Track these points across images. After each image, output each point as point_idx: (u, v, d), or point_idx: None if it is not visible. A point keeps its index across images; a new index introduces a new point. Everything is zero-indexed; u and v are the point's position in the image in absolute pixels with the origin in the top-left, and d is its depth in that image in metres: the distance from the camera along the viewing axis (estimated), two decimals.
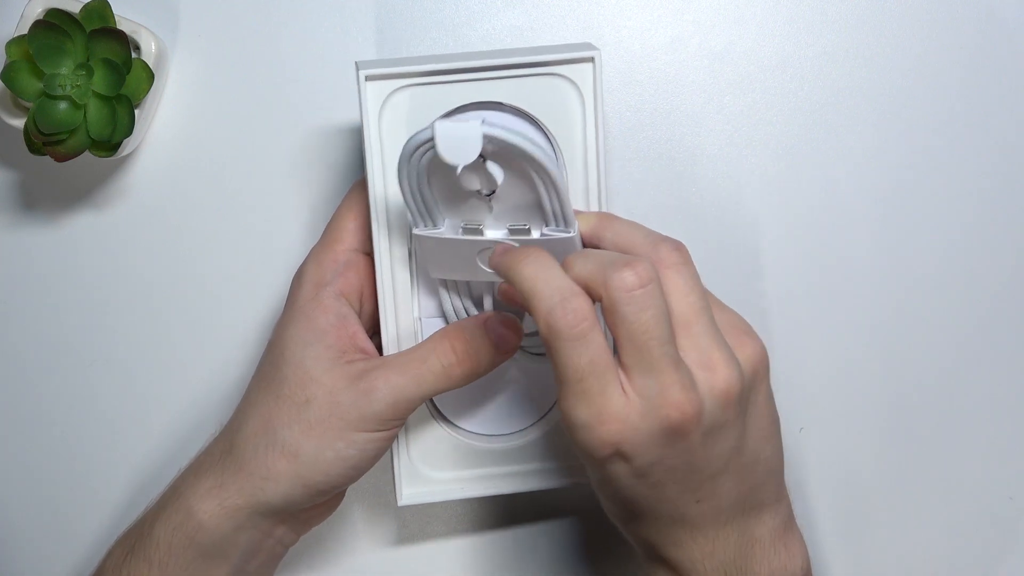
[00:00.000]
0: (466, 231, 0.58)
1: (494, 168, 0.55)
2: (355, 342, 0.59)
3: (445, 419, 0.64)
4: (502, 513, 0.71)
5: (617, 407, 0.52)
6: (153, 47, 0.65)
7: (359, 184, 0.61)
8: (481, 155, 0.53)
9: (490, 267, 0.57)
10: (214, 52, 0.68)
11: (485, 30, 0.69)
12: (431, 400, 0.63)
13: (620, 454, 0.53)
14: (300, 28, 0.68)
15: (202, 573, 0.59)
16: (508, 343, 0.60)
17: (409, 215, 0.57)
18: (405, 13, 0.68)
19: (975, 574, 0.72)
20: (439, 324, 0.61)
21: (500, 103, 0.59)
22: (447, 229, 0.58)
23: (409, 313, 0.61)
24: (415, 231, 0.58)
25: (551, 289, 0.52)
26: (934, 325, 0.71)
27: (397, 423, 0.59)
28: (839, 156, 0.70)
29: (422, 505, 0.69)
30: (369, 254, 0.61)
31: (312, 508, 0.62)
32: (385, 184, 0.59)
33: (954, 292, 0.71)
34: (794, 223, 0.70)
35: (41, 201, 0.69)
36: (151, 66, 0.64)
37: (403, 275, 0.61)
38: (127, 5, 0.66)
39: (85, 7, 0.63)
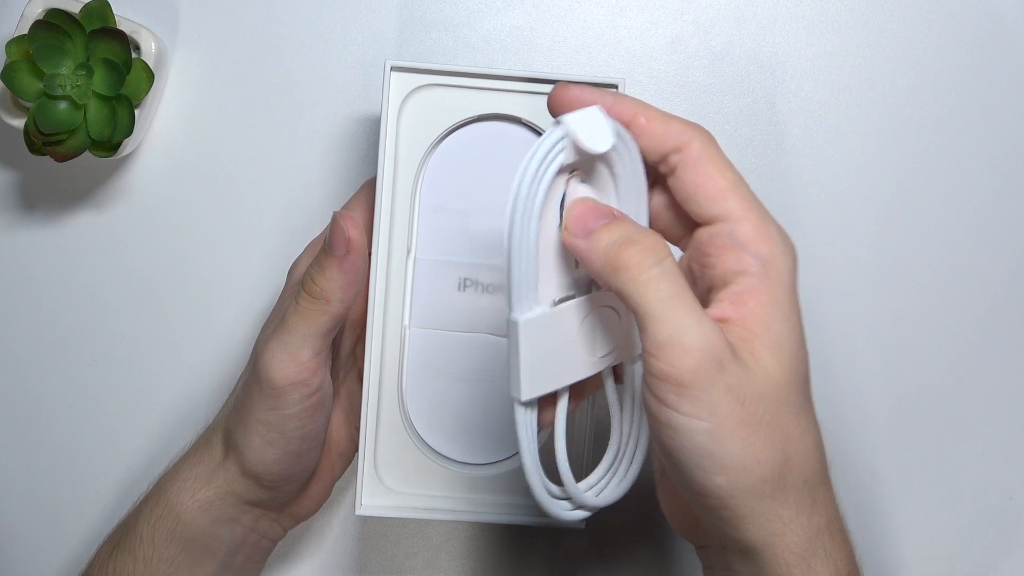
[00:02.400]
0: (561, 301, 0.47)
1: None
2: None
3: (420, 438, 0.62)
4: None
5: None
6: (153, 47, 0.65)
7: (367, 185, 0.61)
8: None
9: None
10: (214, 52, 0.68)
11: (485, 30, 0.69)
12: (406, 416, 0.62)
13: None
14: (299, 28, 0.68)
15: (187, 567, 0.59)
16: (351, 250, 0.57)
17: (513, 286, 0.46)
18: (405, 13, 0.68)
19: (975, 574, 0.72)
20: (427, 334, 0.60)
21: (519, 118, 0.60)
22: (546, 307, 0.47)
23: (399, 320, 0.61)
24: (522, 318, 0.46)
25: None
26: (935, 325, 0.71)
27: (297, 392, 0.56)
28: (839, 156, 0.70)
29: (416, 522, 0.69)
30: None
31: (294, 503, 0.62)
32: (395, 177, 0.59)
33: (955, 292, 0.71)
34: (794, 223, 0.70)
35: (41, 201, 0.69)
36: (151, 66, 0.64)
37: (398, 280, 0.60)
38: (127, 5, 0.66)
39: (85, 7, 0.63)
